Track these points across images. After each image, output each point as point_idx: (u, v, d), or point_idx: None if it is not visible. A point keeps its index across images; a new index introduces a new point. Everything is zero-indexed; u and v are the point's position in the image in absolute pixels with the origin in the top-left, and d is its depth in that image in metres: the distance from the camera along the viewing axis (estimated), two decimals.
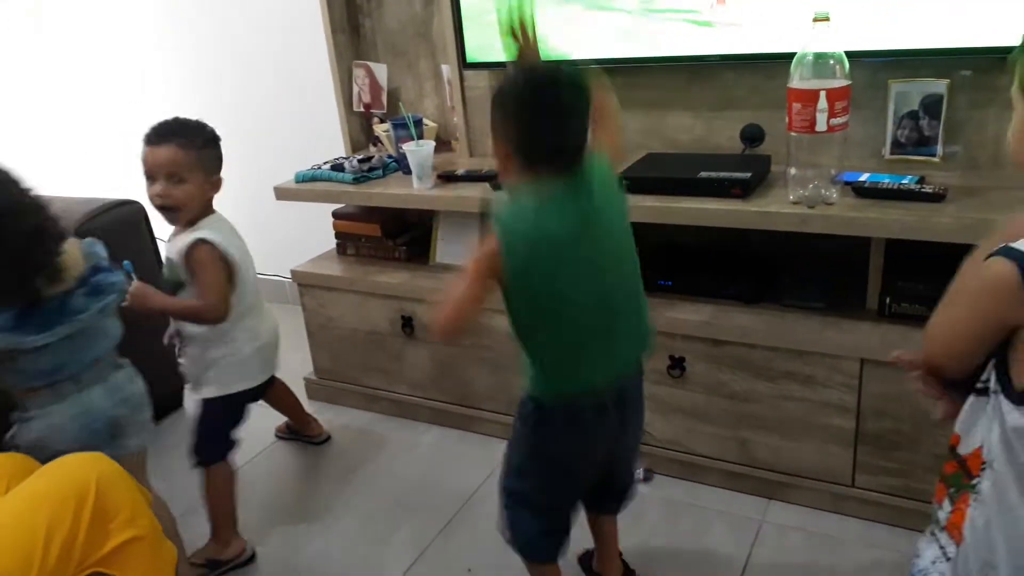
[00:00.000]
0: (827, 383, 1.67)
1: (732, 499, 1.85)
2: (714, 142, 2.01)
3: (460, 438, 2.19)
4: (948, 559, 0.93)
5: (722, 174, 1.75)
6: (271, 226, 2.02)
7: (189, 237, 1.63)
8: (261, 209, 2.53)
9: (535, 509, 1.39)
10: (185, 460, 1.78)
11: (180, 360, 1.76)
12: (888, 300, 1.68)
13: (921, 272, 1.65)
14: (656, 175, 1.84)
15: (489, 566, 1.71)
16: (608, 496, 1.51)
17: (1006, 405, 0.87)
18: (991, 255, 0.87)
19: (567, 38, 1.95)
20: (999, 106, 1.69)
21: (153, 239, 2.31)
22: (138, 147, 1.65)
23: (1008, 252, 0.85)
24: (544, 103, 1.17)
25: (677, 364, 1.82)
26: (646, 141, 2.08)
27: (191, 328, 1.71)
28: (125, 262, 1.60)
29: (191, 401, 1.75)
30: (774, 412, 1.75)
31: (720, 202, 1.70)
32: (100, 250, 1.52)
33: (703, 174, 1.77)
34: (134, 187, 1.75)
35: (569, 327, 1.25)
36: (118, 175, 1.77)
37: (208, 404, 1.75)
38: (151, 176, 1.64)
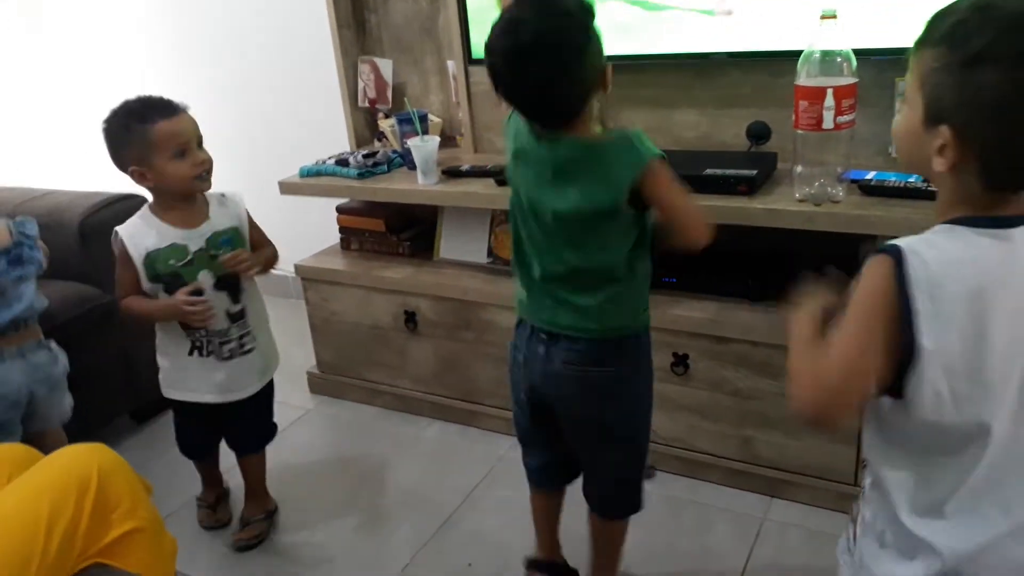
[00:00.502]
0: None
1: (734, 497, 1.84)
2: (720, 139, 2.00)
3: (462, 433, 2.19)
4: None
5: (728, 171, 1.74)
6: (275, 220, 2.02)
7: (234, 198, 1.72)
8: (266, 203, 2.51)
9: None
10: (173, 461, 1.84)
11: (244, 343, 1.73)
12: None
13: None
14: None
15: (490, 561, 1.71)
16: (585, 484, 1.48)
17: None
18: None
19: None
20: None
21: None
22: None
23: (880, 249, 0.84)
24: (514, 79, 1.15)
25: (681, 361, 1.82)
26: (652, 138, 2.05)
27: (259, 307, 1.75)
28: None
29: (254, 387, 1.76)
30: (777, 410, 1.75)
31: (726, 199, 1.70)
32: (30, 228, 1.62)
33: (709, 171, 1.76)
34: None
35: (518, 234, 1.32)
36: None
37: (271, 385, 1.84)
38: (185, 147, 1.56)
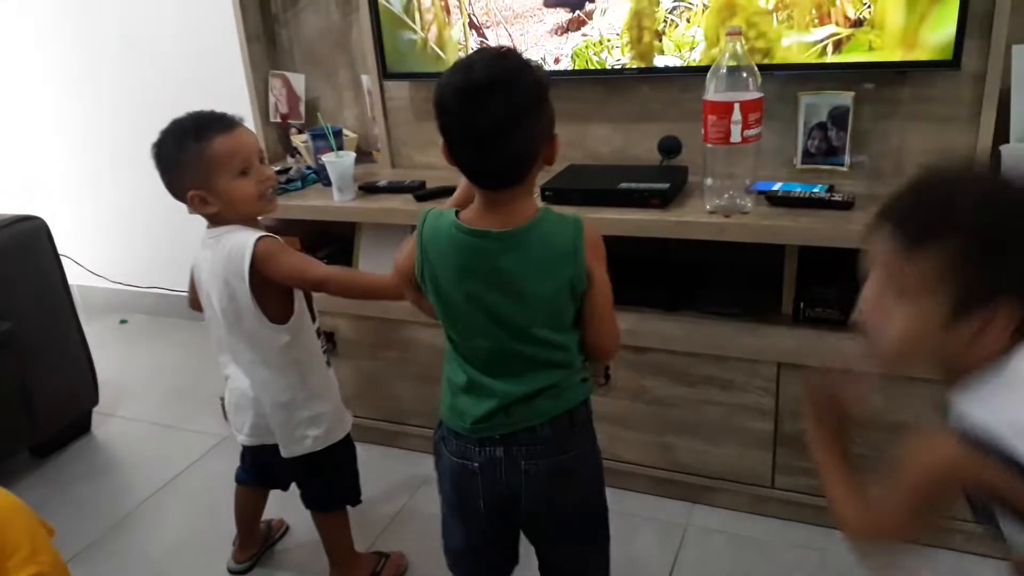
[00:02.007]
0: (746, 387, 1.71)
1: (658, 504, 1.87)
2: (633, 153, 2.04)
3: (385, 454, 2.15)
4: None
5: (641, 185, 1.77)
6: (185, 241, 1.93)
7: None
8: (174, 224, 2.44)
9: None
10: (78, 498, 1.72)
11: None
12: (802, 305, 1.74)
13: (832, 277, 1.71)
14: (577, 186, 1.86)
15: None
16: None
17: None
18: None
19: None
20: (901, 117, 1.77)
21: (57, 256, 2.20)
22: (45, 162, 1.54)
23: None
24: (464, 119, 1.05)
25: (602, 373, 1.84)
26: (568, 152, 2.09)
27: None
28: None
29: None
30: (695, 416, 1.79)
31: (640, 212, 1.73)
32: None
33: (623, 185, 1.79)
34: (38, 202, 1.62)
35: (455, 342, 1.21)
36: (22, 190, 1.66)
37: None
38: (247, 163, 1.42)
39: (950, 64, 1.62)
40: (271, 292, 1.43)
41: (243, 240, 1.40)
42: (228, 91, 2.50)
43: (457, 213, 1.14)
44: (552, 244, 1.10)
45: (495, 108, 1.02)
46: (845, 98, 1.78)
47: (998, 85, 1.64)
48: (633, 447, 1.88)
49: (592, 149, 2.09)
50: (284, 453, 1.54)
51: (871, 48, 1.68)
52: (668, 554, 1.73)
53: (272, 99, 2.42)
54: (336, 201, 2.05)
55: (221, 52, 2.49)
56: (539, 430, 1.17)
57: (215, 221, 1.46)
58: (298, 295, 1.49)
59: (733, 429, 1.76)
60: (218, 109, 1.44)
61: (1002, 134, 1.66)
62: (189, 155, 1.38)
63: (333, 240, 2.31)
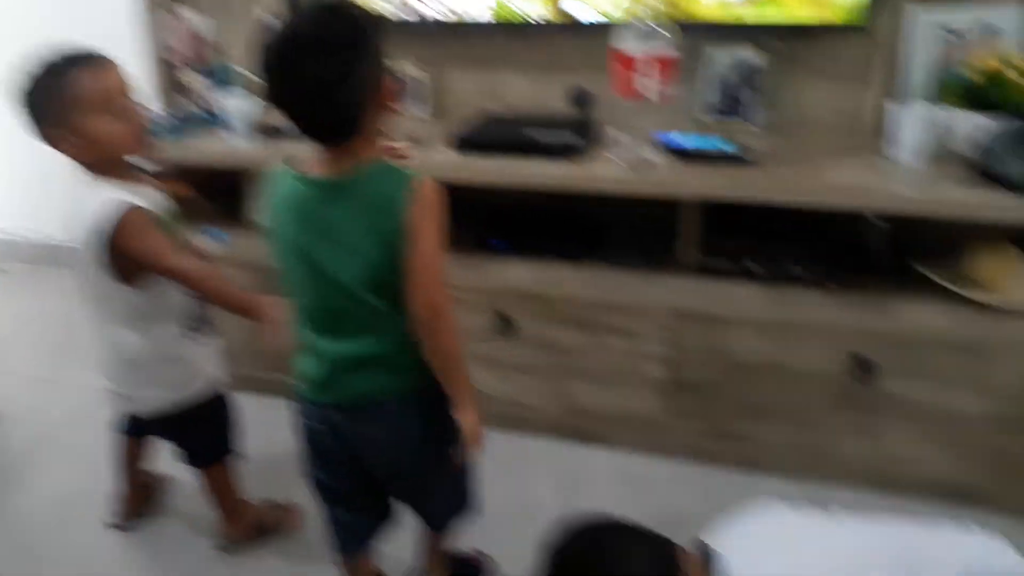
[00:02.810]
0: (644, 335, 1.77)
1: (557, 447, 1.91)
2: (545, 104, 2.05)
3: (276, 405, 2.09)
4: None
5: (552, 137, 1.79)
6: (66, 188, 1.80)
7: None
8: (55, 170, 2.28)
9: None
10: None
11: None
12: (702, 256, 1.80)
13: (732, 229, 1.79)
14: (488, 137, 1.86)
15: (311, 531, 1.67)
16: (417, 518, 1.40)
17: None
18: None
19: None
20: (804, 74, 1.85)
21: None
22: None
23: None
24: (281, 79, 1.02)
25: (507, 322, 1.85)
26: (480, 101, 2.09)
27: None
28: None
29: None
30: (596, 364, 1.83)
31: (550, 164, 1.74)
32: None
33: (533, 136, 1.80)
34: None
35: (298, 302, 1.19)
36: None
37: None
38: (113, 101, 1.31)
39: (858, 28, 1.69)
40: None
41: (110, 204, 1.31)
42: (120, 29, 2.35)
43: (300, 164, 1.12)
44: (378, 196, 1.08)
45: (310, 66, 1.00)
46: (752, 55, 1.84)
47: (898, 47, 1.73)
48: (533, 392, 1.91)
49: (503, 98, 2.08)
50: (140, 413, 1.49)
51: (781, 6, 1.74)
52: (565, 495, 1.77)
53: (170, 36, 2.29)
54: (235, 144, 1.97)
55: None
56: (380, 402, 1.18)
57: (91, 169, 1.36)
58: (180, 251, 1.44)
59: (631, 375, 1.82)
60: (111, 46, 1.35)
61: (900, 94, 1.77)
62: (51, 94, 1.28)
63: (231, 184, 2.22)
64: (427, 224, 1.09)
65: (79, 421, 2.06)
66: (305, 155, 1.13)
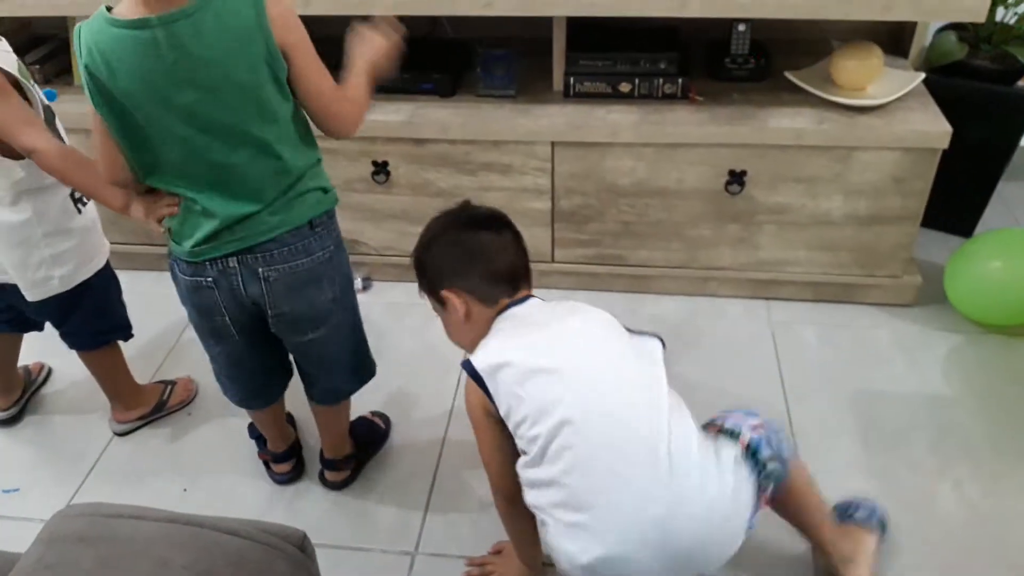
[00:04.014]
0: (523, 169, 1.73)
1: None
2: None
3: (156, 280, 1.98)
4: None
5: None
6: None
7: None
8: None
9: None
10: None
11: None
12: (572, 80, 1.74)
13: (600, 48, 1.71)
14: None
15: (207, 404, 1.65)
16: (307, 388, 1.36)
17: None
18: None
19: None
20: None
21: None
22: None
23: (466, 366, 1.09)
24: None
25: (381, 169, 1.77)
26: None
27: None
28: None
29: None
30: (478, 203, 1.78)
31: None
32: None
33: None
34: None
35: (167, 168, 1.09)
36: None
37: None
38: None
39: None
40: None
41: None
42: None
43: (110, 10, 0.98)
44: (230, 18, 0.97)
45: None
46: None
47: None
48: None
49: None
50: (29, 297, 1.36)
51: None
52: None
53: None
54: None
55: None
56: (275, 239, 1.12)
57: None
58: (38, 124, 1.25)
59: (514, 212, 1.76)
60: None
61: None
62: None
63: (42, 39, 1.94)
64: (296, 35, 1.02)
65: None
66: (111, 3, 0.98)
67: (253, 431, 1.49)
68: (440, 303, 1.19)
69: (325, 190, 1.17)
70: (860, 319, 1.78)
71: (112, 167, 1.10)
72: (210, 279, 1.14)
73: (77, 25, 1.00)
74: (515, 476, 1.09)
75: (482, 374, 1.07)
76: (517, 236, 1.21)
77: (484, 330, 1.14)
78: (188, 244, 1.12)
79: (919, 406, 1.55)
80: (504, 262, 1.16)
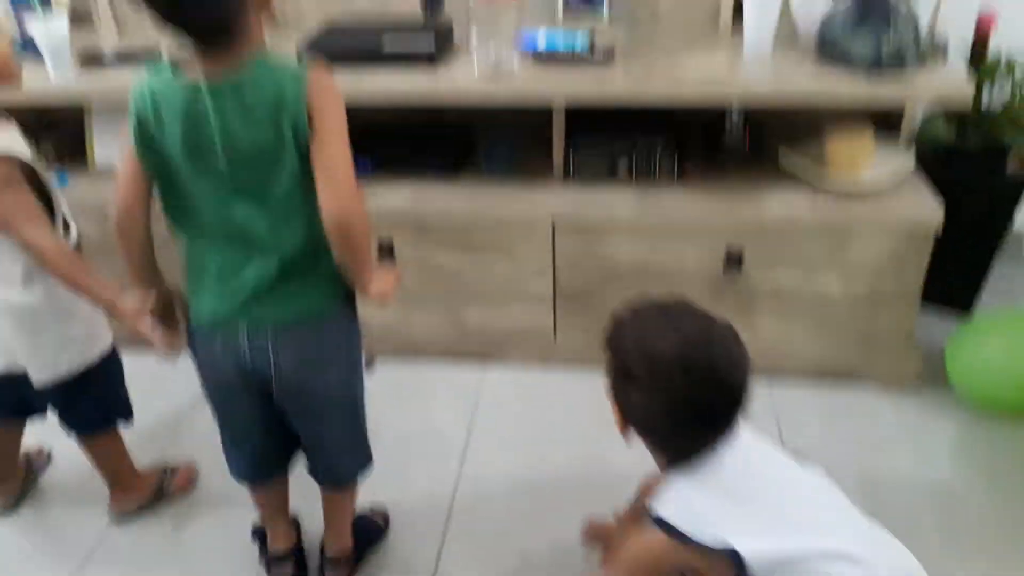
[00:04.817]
0: (525, 250, 1.75)
1: (452, 371, 1.92)
2: (395, 9, 1.91)
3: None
4: None
5: (407, 45, 1.67)
6: None
7: None
8: None
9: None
10: None
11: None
12: (572, 161, 1.78)
13: (599, 131, 1.76)
14: (339, 47, 1.72)
15: (209, 491, 1.63)
16: (308, 464, 1.36)
17: None
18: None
19: None
20: None
21: None
22: None
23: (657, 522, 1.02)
24: None
25: (386, 250, 1.79)
26: (323, 7, 1.92)
27: None
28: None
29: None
30: (480, 283, 1.81)
31: (408, 77, 1.64)
32: None
33: (387, 45, 1.68)
34: None
35: (193, 227, 1.12)
36: None
37: None
38: None
39: None
40: None
41: None
42: None
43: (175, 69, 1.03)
44: (267, 88, 1.01)
45: None
46: None
47: None
48: (423, 319, 1.89)
49: (349, 3, 1.93)
50: (36, 381, 1.36)
51: None
52: (465, 415, 1.79)
53: None
54: (53, 79, 1.74)
55: None
56: (292, 324, 1.14)
57: None
58: (55, 204, 1.30)
59: (516, 291, 1.81)
60: None
61: None
62: None
63: (57, 125, 2.00)
64: (329, 109, 1.03)
65: None
66: (178, 60, 1.04)
67: (257, 533, 1.48)
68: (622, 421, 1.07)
69: (341, 279, 1.17)
70: (863, 400, 1.78)
71: (128, 205, 1.11)
72: (220, 346, 1.16)
73: (142, 77, 1.05)
74: None
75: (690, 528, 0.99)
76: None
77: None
78: (203, 309, 1.15)
79: (925, 492, 1.54)
80: (724, 424, 1.03)
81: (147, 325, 1.19)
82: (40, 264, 1.23)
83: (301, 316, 1.14)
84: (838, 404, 1.77)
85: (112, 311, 1.23)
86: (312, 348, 1.17)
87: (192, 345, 1.21)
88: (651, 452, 1.09)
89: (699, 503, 1.01)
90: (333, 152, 1.04)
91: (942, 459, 1.62)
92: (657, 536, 1.01)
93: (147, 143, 1.06)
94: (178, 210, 1.11)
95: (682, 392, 0.97)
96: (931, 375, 1.77)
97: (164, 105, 1.03)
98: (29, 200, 1.23)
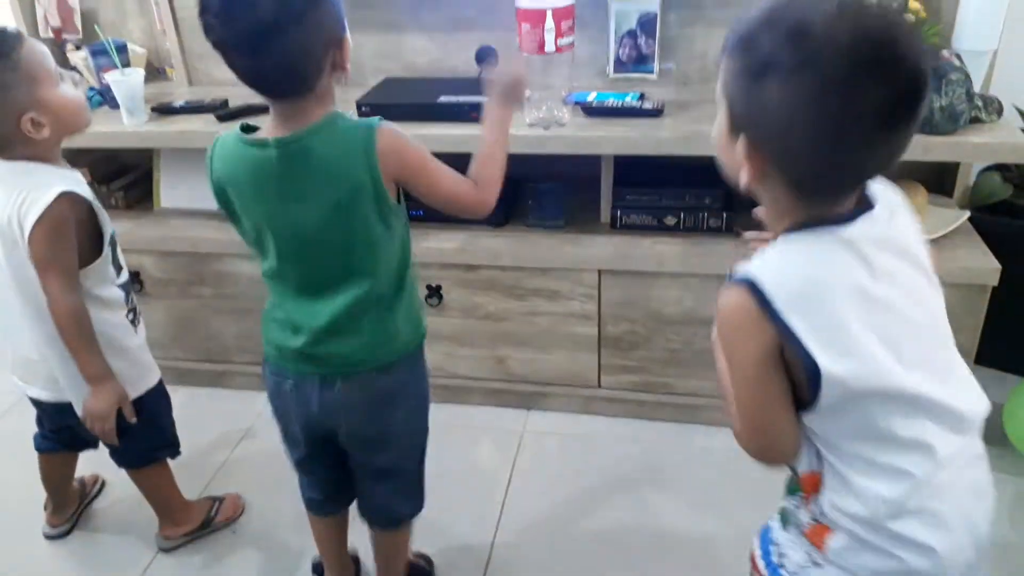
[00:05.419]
0: (570, 295, 1.77)
1: (495, 414, 1.92)
2: (451, 65, 1.98)
3: (212, 396, 2.05)
4: (817, 565, 0.88)
5: (461, 98, 1.73)
6: None
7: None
8: None
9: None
10: None
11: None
12: (619, 213, 1.80)
13: (647, 183, 1.78)
14: (395, 101, 1.79)
15: (259, 520, 1.65)
16: (361, 503, 1.36)
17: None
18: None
19: None
20: (705, 24, 1.83)
21: None
22: None
23: (733, 281, 0.80)
24: (229, 22, 0.95)
25: (435, 292, 1.82)
26: (383, 65, 2.01)
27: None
28: None
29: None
30: (525, 328, 1.83)
31: (461, 127, 1.69)
32: None
33: (442, 99, 1.74)
34: None
35: (272, 272, 1.15)
36: None
37: None
38: (58, 69, 1.28)
39: None
40: None
41: (41, 192, 1.24)
42: None
43: (250, 128, 1.08)
44: (339, 146, 1.04)
45: (262, 7, 0.94)
46: (653, 4, 1.81)
47: None
48: (467, 362, 1.90)
49: (409, 60, 2.01)
50: (81, 412, 1.40)
51: None
52: (507, 460, 1.79)
53: (40, 10, 2.12)
54: (127, 125, 1.84)
55: None
56: (364, 370, 1.16)
57: (44, 147, 1.28)
58: (105, 246, 1.36)
59: (561, 336, 1.82)
60: None
61: None
62: (3, 74, 1.19)
63: (128, 169, 2.10)
64: (409, 155, 1.07)
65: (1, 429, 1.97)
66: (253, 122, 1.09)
67: (316, 568, 1.49)
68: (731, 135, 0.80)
69: (416, 324, 1.20)
70: None
71: None
72: (290, 386, 1.18)
73: (220, 136, 1.10)
74: (785, 437, 0.83)
75: (770, 287, 0.76)
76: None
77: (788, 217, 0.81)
78: (274, 349, 1.18)
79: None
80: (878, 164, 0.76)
81: (111, 424, 1.33)
82: (51, 312, 1.27)
83: (372, 359, 1.15)
84: None
85: (94, 387, 1.32)
86: (382, 391, 1.18)
87: (264, 375, 1.24)
88: (770, 212, 0.85)
89: (802, 276, 0.78)
90: (443, 193, 1.13)
91: (1002, 519, 1.55)
92: (736, 290, 0.78)
93: (223, 199, 1.11)
94: (261, 256, 1.15)
95: (844, 69, 0.69)
96: (989, 435, 1.71)
97: (234, 166, 1.07)
98: (68, 252, 1.28)
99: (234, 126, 1.09)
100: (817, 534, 0.87)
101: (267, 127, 1.06)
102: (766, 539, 0.96)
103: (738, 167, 0.79)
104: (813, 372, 0.76)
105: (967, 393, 0.86)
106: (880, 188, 0.83)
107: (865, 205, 0.80)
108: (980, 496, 0.85)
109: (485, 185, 1.18)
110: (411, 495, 1.34)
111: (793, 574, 0.90)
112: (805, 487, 0.88)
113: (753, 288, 0.77)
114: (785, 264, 0.79)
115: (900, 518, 0.80)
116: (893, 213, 0.82)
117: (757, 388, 0.81)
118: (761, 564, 0.94)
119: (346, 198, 1.05)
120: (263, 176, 1.05)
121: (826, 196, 0.79)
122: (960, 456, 0.83)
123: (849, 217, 0.79)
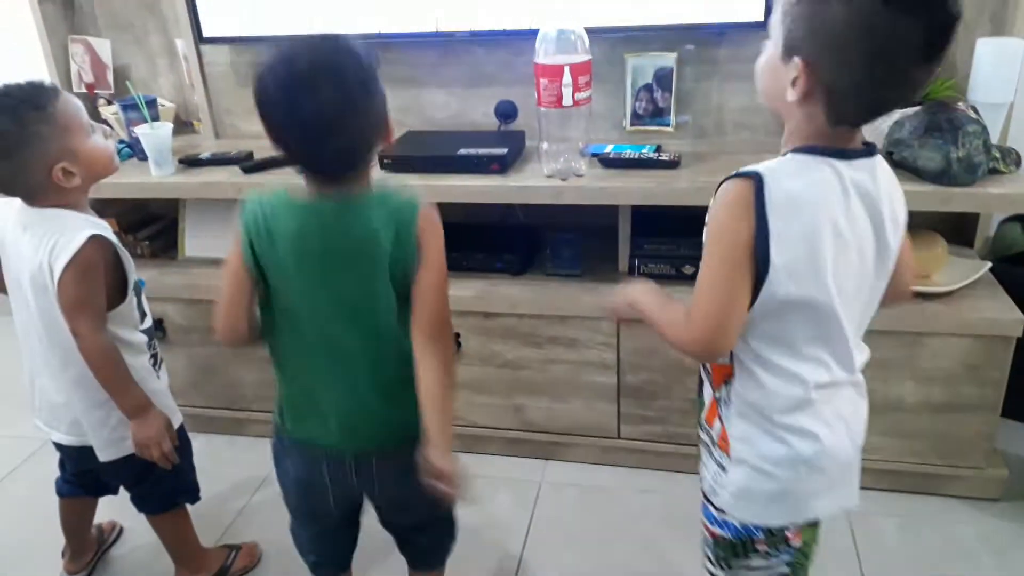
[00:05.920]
0: (588, 344, 1.76)
1: (513, 464, 1.90)
2: (470, 119, 2.03)
3: (231, 443, 2.05)
4: (724, 469, 1.02)
5: (480, 151, 1.76)
6: None
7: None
8: None
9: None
10: None
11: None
12: (636, 262, 1.81)
13: (664, 233, 1.79)
14: (416, 154, 1.83)
15: (270, 572, 1.63)
16: (404, 550, 1.36)
17: None
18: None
19: (315, 11, 1.87)
20: (720, 78, 1.86)
21: None
22: None
23: (739, 174, 0.91)
24: (290, 114, 0.97)
25: (453, 340, 1.83)
26: (404, 119, 2.05)
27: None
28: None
29: None
30: (544, 376, 1.82)
31: (480, 179, 1.72)
32: None
33: (462, 151, 1.77)
34: None
35: (294, 345, 1.14)
36: None
37: None
38: (89, 120, 1.32)
39: (760, 25, 1.71)
40: None
41: (71, 236, 1.27)
42: (24, 61, 2.25)
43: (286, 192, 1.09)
44: (381, 215, 1.05)
45: (322, 100, 0.96)
46: (668, 59, 1.84)
47: None
48: (485, 411, 1.90)
49: (429, 115, 2.05)
50: (101, 457, 1.40)
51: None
52: (525, 510, 1.77)
53: (74, 67, 2.19)
54: (154, 176, 1.89)
55: (10, 16, 2.22)
56: (392, 448, 1.15)
57: (74, 195, 1.32)
58: (129, 291, 1.38)
59: (579, 385, 1.82)
60: (10, 79, 1.27)
61: None
62: (38, 125, 1.22)
63: (155, 219, 2.15)
64: (435, 244, 1.09)
65: (22, 474, 1.97)
66: (288, 183, 1.09)
67: None
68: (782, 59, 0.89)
69: None
70: (943, 512, 1.68)
71: (231, 316, 1.14)
72: (324, 469, 1.17)
73: (257, 194, 1.09)
74: (737, 324, 0.93)
75: (771, 184, 0.88)
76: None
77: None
78: (297, 426, 1.17)
79: None
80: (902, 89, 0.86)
81: (168, 445, 1.35)
82: (82, 351, 1.29)
83: (403, 437, 1.13)
84: (917, 513, 1.68)
85: (138, 418, 1.33)
86: (415, 465, 1.14)
87: (278, 458, 1.23)
88: (793, 133, 0.94)
89: (796, 189, 0.89)
90: (436, 283, 1.10)
91: None
92: (742, 180, 0.90)
93: (256, 259, 1.09)
94: (279, 327, 1.13)
95: None
96: (1017, 489, 1.68)
97: (276, 223, 1.06)
98: (97, 293, 1.30)
99: (260, 178, 1.10)
100: (724, 439, 1.02)
101: (309, 191, 1.06)
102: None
103: (782, 90, 0.89)
104: (764, 267, 0.89)
105: (861, 353, 1.03)
106: (885, 169, 0.94)
107: (865, 153, 0.92)
108: (857, 411, 1.03)
109: (446, 346, 1.13)
110: (450, 531, 1.35)
111: (711, 492, 1.05)
112: (716, 377, 1.04)
113: (758, 182, 0.88)
114: (786, 175, 0.90)
115: (790, 413, 0.96)
116: (877, 179, 0.93)
117: (729, 274, 0.91)
118: (701, 516, 1.09)
119: (387, 261, 1.06)
120: (309, 233, 1.05)
121: (852, 122, 0.89)
122: (846, 384, 1.00)
123: (851, 155, 0.90)
